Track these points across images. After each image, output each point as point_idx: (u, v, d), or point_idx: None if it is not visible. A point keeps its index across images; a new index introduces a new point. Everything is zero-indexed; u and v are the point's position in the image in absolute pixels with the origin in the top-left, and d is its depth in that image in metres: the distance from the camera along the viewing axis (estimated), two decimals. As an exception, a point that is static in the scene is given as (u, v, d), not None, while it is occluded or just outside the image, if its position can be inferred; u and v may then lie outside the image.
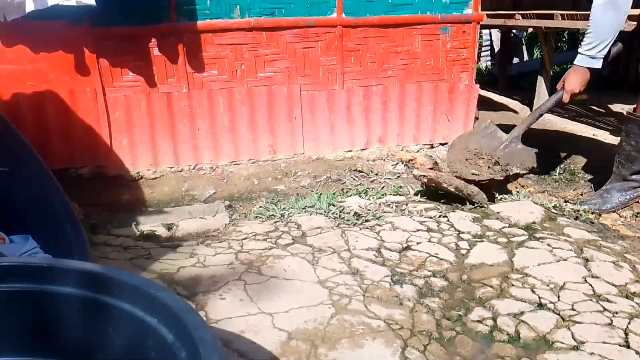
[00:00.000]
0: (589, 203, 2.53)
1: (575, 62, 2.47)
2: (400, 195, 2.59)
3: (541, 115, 2.73)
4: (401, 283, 1.79)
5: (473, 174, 2.46)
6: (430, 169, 2.97)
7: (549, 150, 3.38)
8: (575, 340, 1.50)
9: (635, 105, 2.46)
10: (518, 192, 2.67)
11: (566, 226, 2.25)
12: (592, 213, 2.46)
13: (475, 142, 2.70)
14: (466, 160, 2.61)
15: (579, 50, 2.46)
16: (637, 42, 2.55)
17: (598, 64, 2.43)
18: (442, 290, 1.77)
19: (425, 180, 2.39)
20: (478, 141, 2.70)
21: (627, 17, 2.39)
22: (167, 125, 2.79)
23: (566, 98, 2.54)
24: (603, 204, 2.51)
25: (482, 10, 3.14)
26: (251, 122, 2.90)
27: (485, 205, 2.41)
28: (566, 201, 2.60)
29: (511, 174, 2.55)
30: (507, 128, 2.85)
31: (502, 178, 2.44)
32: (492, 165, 2.54)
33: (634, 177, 2.51)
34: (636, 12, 2.68)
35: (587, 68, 2.44)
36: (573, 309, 1.65)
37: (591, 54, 2.41)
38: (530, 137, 3.88)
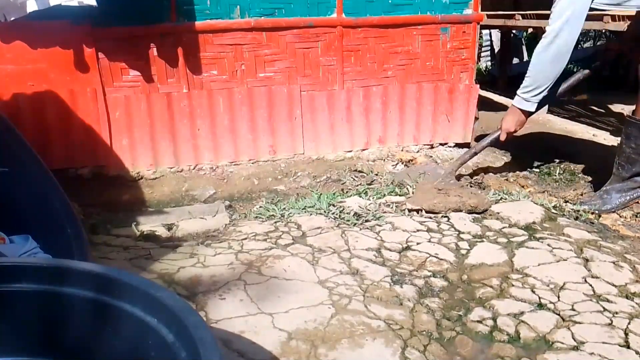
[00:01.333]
0: (589, 203, 2.53)
1: (512, 102, 2.55)
2: (400, 195, 2.59)
3: (476, 154, 2.81)
4: (401, 283, 1.79)
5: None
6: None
7: (549, 151, 3.38)
8: (575, 340, 1.50)
9: (634, 108, 2.46)
10: (518, 192, 2.67)
11: (566, 226, 2.25)
12: (592, 213, 2.46)
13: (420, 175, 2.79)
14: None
15: (517, 91, 2.52)
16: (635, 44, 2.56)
17: (532, 107, 2.52)
18: (442, 291, 1.77)
19: (423, 212, 2.40)
20: (422, 174, 2.80)
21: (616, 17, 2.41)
22: (167, 125, 2.79)
23: (502, 136, 2.63)
24: (603, 205, 2.51)
25: (482, 10, 3.14)
26: (251, 122, 2.90)
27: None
28: (566, 201, 2.60)
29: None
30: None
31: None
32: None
33: (634, 178, 2.51)
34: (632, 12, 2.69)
35: (522, 110, 2.52)
36: (573, 309, 1.65)
37: (526, 97, 2.49)
38: (531, 137, 3.89)
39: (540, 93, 2.46)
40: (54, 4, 2.16)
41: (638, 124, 2.43)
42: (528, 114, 2.56)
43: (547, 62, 2.37)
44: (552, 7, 2.33)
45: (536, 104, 2.51)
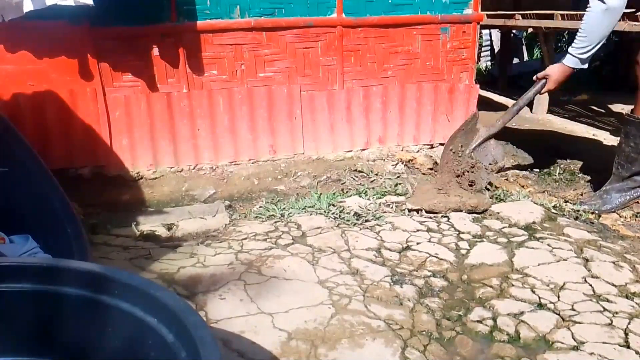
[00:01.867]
0: (589, 203, 2.53)
1: (564, 62, 2.52)
2: (400, 195, 2.59)
3: (520, 109, 2.77)
4: (401, 283, 1.79)
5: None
6: (430, 169, 2.98)
7: (549, 150, 3.38)
8: (575, 340, 1.50)
9: (633, 106, 2.46)
10: (518, 192, 2.67)
11: (566, 226, 2.25)
12: (592, 213, 2.46)
13: (459, 139, 2.72)
14: (452, 170, 2.63)
15: (570, 50, 2.49)
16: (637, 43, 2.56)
17: (586, 66, 2.50)
18: (442, 290, 1.77)
19: (423, 212, 2.40)
20: (461, 137, 2.72)
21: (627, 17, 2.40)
22: (167, 125, 2.79)
23: (550, 87, 2.60)
24: (603, 205, 2.51)
25: (482, 10, 3.14)
26: (251, 122, 2.90)
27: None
28: (566, 201, 2.60)
29: (483, 185, 2.60)
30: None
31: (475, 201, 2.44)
32: (465, 176, 2.58)
33: (633, 177, 2.51)
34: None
35: (573, 68, 2.51)
36: (573, 309, 1.65)
37: (583, 56, 2.46)
38: (531, 137, 3.89)
39: (594, 50, 2.44)
40: (50, 4, 2.15)
41: (637, 122, 2.43)
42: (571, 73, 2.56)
43: (606, 19, 2.33)
44: None
45: (588, 62, 2.50)
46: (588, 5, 2.34)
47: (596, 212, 2.48)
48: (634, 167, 2.49)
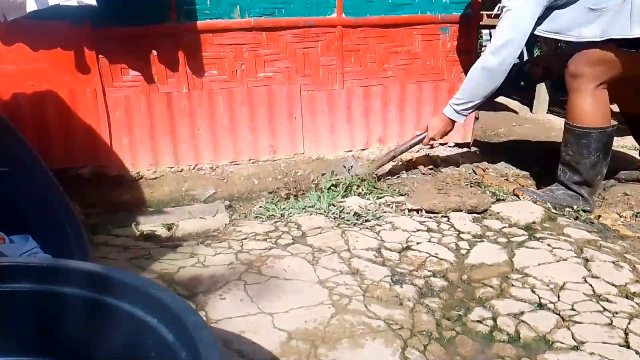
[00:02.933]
0: (530, 192, 2.58)
1: (443, 111, 2.63)
2: (400, 195, 2.59)
3: (394, 157, 2.85)
4: (401, 283, 1.79)
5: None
6: (430, 169, 2.98)
7: (549, 150, 3.38)
8: (575, 340, 1.50)
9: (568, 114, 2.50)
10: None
11: (566, 226, 2.26)
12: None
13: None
14: None
15: (450, 100, 2.60)
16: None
17: (462, 120, 2.64)
18: (442, 290, 1.77)
19: (423, 212, 2.40)
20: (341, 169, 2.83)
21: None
22: (167, 125, 2.79)
23: (426, 142, 2.74)
24: (543, 196, 2.53)
25: (482, 10, 3.14)
26: (251, 122, 2.90)
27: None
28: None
29: None
30: (507, 128, 2.85)
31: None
32: None
33: (574, 187, 2.50)
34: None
35: (451, 120, 2.62)
36: (573, 309, 1.65)
37: (457, 109, 2.57)
38: (531, 137, 3.89)
39: (471, 107, 2.57)
40: (53, 4, 2.16)
41: (574, 130, 2.44)
42: (453, 124, 2.67)
43: (482, 79, 2.46)
44: (497, 26, 2.41)
45: (466, 117, 2.63)
46: (478, 60, 2.45)
47: (533, 200, 2.51)
48: (575, 177, 2.48)
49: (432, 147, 3.24)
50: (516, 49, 2.40)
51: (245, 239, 2.14)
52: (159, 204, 2.62)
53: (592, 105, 2.39)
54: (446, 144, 3.26)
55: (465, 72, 3.15)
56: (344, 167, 2.85)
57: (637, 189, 2.66)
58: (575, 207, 2.47)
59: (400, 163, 3.03)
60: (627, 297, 1.73)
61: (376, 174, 2.80)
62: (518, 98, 5.11)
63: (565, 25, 2.40)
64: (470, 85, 2.51)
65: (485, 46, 8.18)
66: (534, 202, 2.49)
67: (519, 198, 2.54)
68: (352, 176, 2.71)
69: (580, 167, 2.45)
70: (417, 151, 3.18)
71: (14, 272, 1.04)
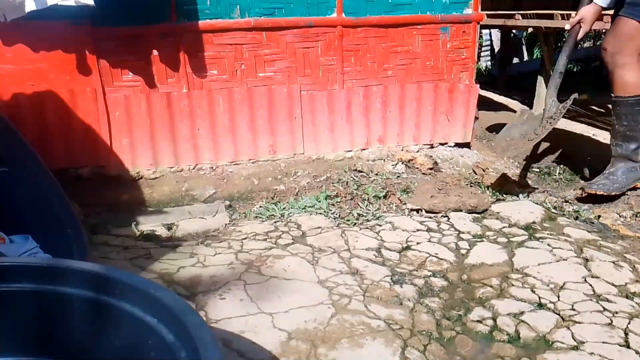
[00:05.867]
0: (598, 184, 2.58)
1: (595, 2, 2.61)
2: (400, 195, 2.59)
3: (568, 59, 2.79)
4: (401, 283, 1.79)
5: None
6: (430, 169, 2.98)
7: (549, 150, 3.38)
8: (575, 340, 1.50)
9: (612, 88, 2.55)
10: (518, 192, 2.67)
11: (566, 226, 2.26)
12: (601, 195, 2.51)
13: (517, 132, 2.83)
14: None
15: None
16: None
17: (612, 5, 2.60)
18: (442, 290, 1.77)
19: (423, 211, 2.40)
20: (519, 130, 2.84)
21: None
22: (167, 125, 2.79)
23: (586, 29, 2.68)
24: (612, 184, 2.56)
25: (482, 10, 3.13)
26: (251, 122, 2.90)
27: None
28: (566, 201, 2.60)
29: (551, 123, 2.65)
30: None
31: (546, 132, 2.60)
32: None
33: (633, 155, 2.58)
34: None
35: (603, 7, 2.62)
36: (573, 309, 1.65)
37: None
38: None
39: None
40: (51, 4, 2.15)
41: (627, 100, 2.52)
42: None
43: None
44: None
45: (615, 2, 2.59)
46: None
47: (606, 192, 2.53)
48: (631, 145, 2.57)
49: (432, 147, 3.24)
50: None
51: (245, 238, 2.14)
52: (159, 204, 2.62)
53: (636, 76, 2.49)
54: (446, 144, 3.26)
55: (465, 72, 3.16)
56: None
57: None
58: None
59: (400, 163, 3.03)
60: (627, 297, 1.73)
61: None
62: (518, 98, 5.11)
63: None
64: None
65: (485, 46, 8.20)
66: (606, 194, 2.54)
67: (594, 195, 2.56)
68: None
69: (637, 134, 2.55)
70: (417, 151, 3.18)
71: (14, 272, 1.04)
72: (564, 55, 2.75)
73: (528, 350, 1.46)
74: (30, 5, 2.14)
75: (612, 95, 2.58)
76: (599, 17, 2.82)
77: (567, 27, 2.71)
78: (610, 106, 3.89)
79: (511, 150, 2.76)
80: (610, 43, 2.53)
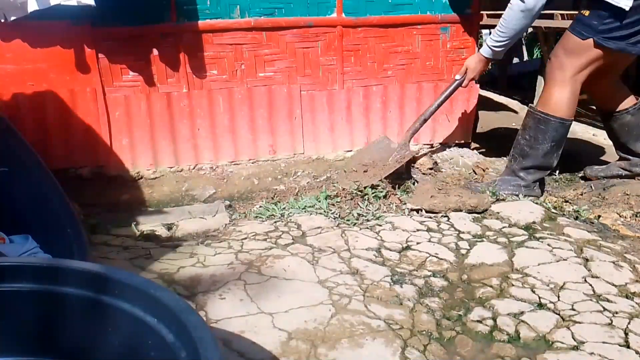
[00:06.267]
0: (475, 186, 2.66)
1: (480, 51, 2.68)
2: (400, 195, 2.59)
3: (432, 113, 2.86)
4: (401, 283, 1.79)
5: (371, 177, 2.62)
6: (430, 169, 2.98)
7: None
8: (575, 340, 1.50)
9: (537, 99, 2.61)
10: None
11: (566, 226, 2.26)
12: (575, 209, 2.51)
13: (368, 156, 2.80)
14: (364, 172, 2.73)
15: (487, 41, 2.64)
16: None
17: (500, 56, 2.70)
18: (442, 290, 1.77)
19: (423, 211, 2.41)
20: (372, 155, 2.82)
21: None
22: (167, 125, 2.79)
23: (466, 84, 2.78)
24: (485, 188, 2.61)
25: (482, 10, 3.13)
26: (251, 122, 2.90)
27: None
28: (566, 201, 2.60)
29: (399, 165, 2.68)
30: (507, 128, 2.85)
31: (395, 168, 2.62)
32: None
33: (521, 174, 2.62)
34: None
35: (487, 59, 2.68)
36: (573, 309, 1.65)
37: (497, 49, 2.61)
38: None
39: (507, 44, 2.58)
40: (54, 4, 2.16)
41: (536, 115, 2.55)
42: (488, 63, 2.75)
43: (524, 19, 2.44)
44: None
45: (502, 55, 2.69)
46: (510, 1, 2.44)
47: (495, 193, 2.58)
48: (524, 162, 2.60)
49: (432, 147, 3.24)
50: None
51: (245, 238, 2.14)
52: (159, 204, 2.62)
53: (563, 97, 2.50)
54: (446, 144, 3.27)
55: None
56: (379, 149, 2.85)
57: (637, 189, 2.66)
58: (519, 194, 2.58)
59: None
60: (627, 297, 1.73)
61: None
62: (518, 98, 5.10)
63: None
64: (509, 25, 2.48)
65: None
66: (482, 193, 2.57)
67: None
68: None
69: (533, 153, 2.57)
70: (417, 151, 3.18)
71: (14, 272, 1.04)
72: (437, 103, 2.81)
73: (528, 350, 1.46)
74: (32, 5, 2.14)
75: (532, 105, 2.62)
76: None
77: (457, 77, 2.77)
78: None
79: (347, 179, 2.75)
80: (555, 55, 2.53)
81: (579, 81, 2.49)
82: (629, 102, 2.71)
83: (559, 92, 2.50)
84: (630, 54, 2.45)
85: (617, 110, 2.71)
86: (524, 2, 2.37)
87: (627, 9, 2.27)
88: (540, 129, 2.54)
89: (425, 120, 2.85)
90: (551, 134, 2.53)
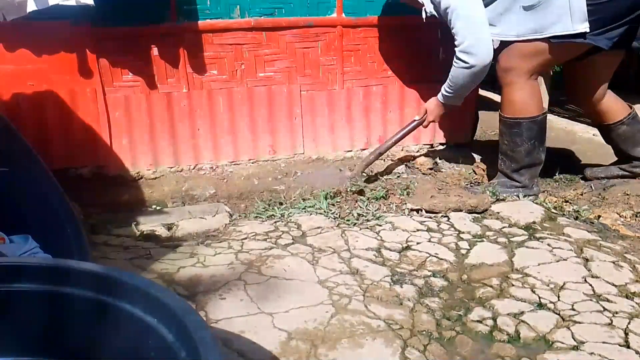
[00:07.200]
0: (473, 189, 2.65)
1: (438, 96, 2.65)
2: (400, 195, 2.59)
3: (388, 149, 2.84)
4: (401, 283, 1.79)
5: None
6: (430, 169, 2.98)
7: (548, 150, 3.37)
8: (575, 340, 1.50)
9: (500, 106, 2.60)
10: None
11: (566, 226, 2.26)
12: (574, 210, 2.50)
13: (319, 184, 2.72)
14: None
15: (442, 90, 2.61)
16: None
17: (459, 103, 2.66)
18: (442, 290, 1.77)
19: (424, 211, 2.40)
20: (323, 182, 2.73)
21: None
22: (167, 125, 2.79)
23: (430, 119, 2.72)
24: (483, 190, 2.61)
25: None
26: (251, 122, 2.90)
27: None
28: (566, 201, 2.60)
29: None
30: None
31: None
32: None
33: (514, 176, 2.61)
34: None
35: (445, 105, 2.64)
36: (573, 309, 1.65)
37: (450, 100, 2.60)
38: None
39: (460, 95, 2.59)
40: (53, 4, 2.15)
41: (506, 121, 2.56)
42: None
43: (469, 79, 2.47)
44: (451, 27, 2.39)
45: (459, 103, 2.65)
46: (455, 58, 2.42)
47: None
48: (512, 164, 2.59)
49: (432, 146, 3.24)
50: (487, 41, 2.37)
51: (245, 239, 2.14)
52: (159, 203, 2.62)
53: (523, 97, 2.48)
54: (446, 144, 3.27)
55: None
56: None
57: (637, 189, 2.66)
58: (517, 195, 2.58)
59: (398, 162, 3.03)
60: (627, 297, 1.73)
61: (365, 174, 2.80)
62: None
63: (505, 27, 2.41)
64: (457, 81, 2.48)
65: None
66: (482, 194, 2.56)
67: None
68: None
69: (516, 155, 2.57)
70: (417, 151, 3.18)
71: (14, 272, 1.04)
72: (394, 139, 2.78)
73: (528, 350, 1.46)
74: (31, 6, 2.14)
75: (499, 111, 2.61)
76: None
77: (417, 118, 2.75)
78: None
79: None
80: (503, 58, 2.49)
81: (534, 78, 2.48)
82: (623, 112, 2.69)
83: (519, 94, 2.48)
84: (599, 50, 2.37)
85: (612, 122, 2.70)
86: (467, 62, 2.37)
87: (587, 30, 2.26)
88: (514, 132, 2.54)
89: (380, 154, 2.82)
90: (527, 134, 2.52)
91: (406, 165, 3.02)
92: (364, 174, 2.80)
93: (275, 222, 2.31)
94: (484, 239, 2.12)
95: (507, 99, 2.53)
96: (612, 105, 2.69)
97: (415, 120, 2.76)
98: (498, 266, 1.92)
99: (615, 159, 2.88)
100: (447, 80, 2.54)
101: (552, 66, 2.47)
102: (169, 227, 2.29)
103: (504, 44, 2.49)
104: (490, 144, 3.62)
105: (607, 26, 2.30)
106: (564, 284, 1.79)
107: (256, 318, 1.58)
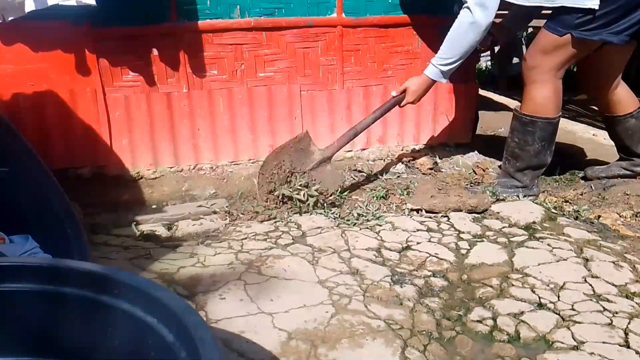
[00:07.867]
0: (471, 189, 2.63)
1: (425, 72, 2.51)
2: (400, 195, 2.59)
3: (364, 129, 2.65)
4: (401, 283, 1.79)
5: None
6: (430, 169, 2.98)
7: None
8: (575, 340, 1.50)
9: (521, 102, 2.57)
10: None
11: (566, 226, 2.26)
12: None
13: (288, 156, 2.56)
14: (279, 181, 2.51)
15: (432, 60, 2.48)
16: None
17: (444, 80, 2.51)
18: (442, 290, 1.77)
19: (424, 211, 2.40)
20: (291, 155, 2.58)
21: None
22: (167, 125, 2.79)
23: (409, 100, 2.57)
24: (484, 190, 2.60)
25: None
26: (251, 122, 2.90)
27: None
28: (566, 201, 2.60)
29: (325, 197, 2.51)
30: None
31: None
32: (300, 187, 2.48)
33: (517, 175, 2.61)
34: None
35: (433, 81, 2.50)
36: (573, 309, 1.65)
37: (444, 69, 2.45)
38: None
39: (456, 66, 2.47)
40: (52, 4, 2.15)
41: (521, 118, 2.53)
42: (431, 86, 2.57)
43: (472, 34, 2.37)
44: None
45: (448, 78, 2.52)
46: (462, 11, 2.36)
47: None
48: (518, 163, 2.58)
49: (432, 147, 3.23)
50: (497, 3, 2.35)
51: (245, 239, 2.14)
52: (158, 203, 2.62)
53: (544, 96, 2.48)
54: (446, 143, 3.26)
55: (466, 72, 3.15)
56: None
57: (637, 189, 2.66)
58: (517, 195, 2.57)
59: (398, 161, 3.02)
60: (627, 297, 1.73)
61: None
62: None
63: None
64: (457, 38, 2.40)
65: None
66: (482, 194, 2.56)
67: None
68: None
69: (524, 155, 2.56)
70: (417, 151, 3.18)
71: (14, 272, 1.04)
72: (371, 119, 2.62)
73: (528, 350, 1.46)
74: (30, 5, 2.14)
75: (517, 108, 2.59)
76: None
77: (394, 93, 2.61)
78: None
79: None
80: (530, 55, 2.50)
81: (558, 77, 2.47)
82: (633, 105, 2.69)
83: (540, 92, 2.47)
84: (614, 44, 2.36)
85: (622, 114, 2.69)
86: (473, 15, 2.31)
87: (597, 7, 2.23)
88: (527, 131, 2.53)
89: (357, 134, 2.61)
90: (539, 135, 2.52)
91: (406, 165, 3.02)
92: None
93: (275, 222, 2.31)
94: (484, 239, 2.12)
95: (528, 96, 2.51)
96: (625, 96, 2.68)
97: (392, 97, 2.62)
98: (498, 266, 1.92)
99: (616, 158, 2.88)
100: (442, 46, 2.44)
101: (573, 62, 2.46)
102: (169, 227, 2.29)
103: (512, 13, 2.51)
104: (491, 144, 3.62)
105: (620, 20, 2.29)
106: (564, 284, 1.79)
107: (256, 318, 1.58)
